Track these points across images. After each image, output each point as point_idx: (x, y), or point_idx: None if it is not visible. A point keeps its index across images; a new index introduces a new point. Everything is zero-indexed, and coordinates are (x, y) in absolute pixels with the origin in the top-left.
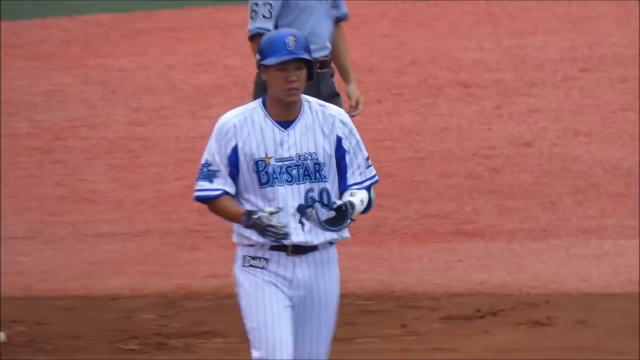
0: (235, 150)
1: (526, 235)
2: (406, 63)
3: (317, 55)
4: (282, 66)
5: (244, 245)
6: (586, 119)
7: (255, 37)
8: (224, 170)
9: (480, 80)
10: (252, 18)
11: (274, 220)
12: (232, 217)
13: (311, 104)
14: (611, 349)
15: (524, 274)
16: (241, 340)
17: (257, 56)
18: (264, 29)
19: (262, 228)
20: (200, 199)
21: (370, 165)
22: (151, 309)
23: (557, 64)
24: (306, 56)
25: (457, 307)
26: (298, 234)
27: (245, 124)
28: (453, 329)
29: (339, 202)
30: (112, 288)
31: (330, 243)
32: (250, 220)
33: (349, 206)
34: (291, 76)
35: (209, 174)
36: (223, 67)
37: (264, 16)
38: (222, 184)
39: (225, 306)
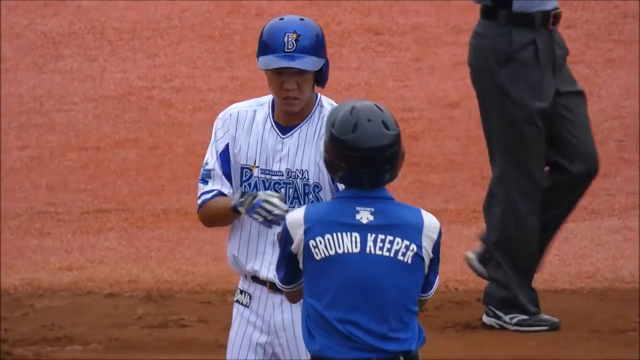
0: (227, 148)
1: (453, 218)
2: (303, 4)
3: (548, 7)
4: (278, 70)
5: (237, 273)
6: None
7: None
8: (218, 169)
9: (394, 25)
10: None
11: (276, 199)
12: (224, 212)
13: (323, 108)
14: (558, 358)
15: (451, 265)
16: (103, 347)
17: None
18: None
19: (254, 203)
20: (199, 206)
21: None
22: None
23: None
24: (305, 66)
25: None
26: (270, 269)
27: (243, 118)
28: None
29: None
30: None
31: None
32: (244, 196)
33: None
34: (288, 83)
35: (205, 175)
36: (76, 9)
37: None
38: (218, 184)
39: (83, 306)
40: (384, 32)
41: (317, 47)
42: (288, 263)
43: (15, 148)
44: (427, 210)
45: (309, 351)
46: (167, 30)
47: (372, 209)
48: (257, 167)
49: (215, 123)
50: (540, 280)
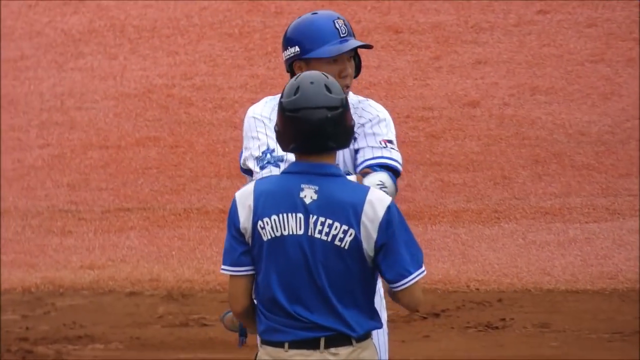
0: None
1: (474, 218)
2: (323, 2)
3: None
4: (336, 57)
5: None
6: (545, 72)
7: None
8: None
9: (415, 24)
10: None
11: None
12: None
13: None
14: (579, 359)
15: (472, 265)
16: (124, 346)
17: (291, 49)
18: None
19: (234, 323)
20: None
21: (387, 147)
22: (13, 307)
23: (509, 4)
24: (365, 43)
25: (391, 306)
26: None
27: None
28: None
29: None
30: None
31: None
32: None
33: None
34: (346, 69)
35: (277, 158)
36: (96, 7)
37: None
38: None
39: (105, 305)
40: (404, 30)
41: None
42: (236, 239)
43: (36, 146)
44: (449, 210)
45: (257, 331)
46: (187, 29)
47: (316, 187)
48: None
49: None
50: (561, 280)
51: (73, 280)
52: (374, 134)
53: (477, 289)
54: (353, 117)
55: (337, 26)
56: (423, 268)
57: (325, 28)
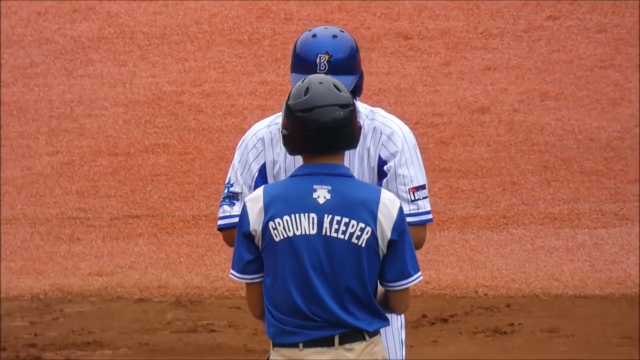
0: (262, 170)
1: (482, 223)
2: (332, 9)
3: None
4: None
5: None
6: (555, 78)
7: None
8: (246, 192)
9: (424, 30)
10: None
11: None
12: None
13: (360, 113)
14: None
15: (480, 271)
16: (133, 352)
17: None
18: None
19: None
20: (220, 229)
21: (416, 201)
22: (22, 314)
23: (519, 9)
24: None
25: None
26: None
27: (277, 137)
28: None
29: None
30: None
31: None
32: None
33: None
34: None
35: (230, 196)
36: (105, 14)
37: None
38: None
39: (113, 311)
40: (414, 36)
41: (349, 64)
42: (244, 246)
43: (45, 153)
44: (458, 216)
45: (267, 335)
46: (197, 35)
47: (329, 187)
48: None
49: (241, 146)
50: (570, 286)
51: (82, 287)
52: (403, 176)
53: (486, 295)
54: (371, 133)
55: (318, 62)
56: (420, 273)
57: (307, 59)
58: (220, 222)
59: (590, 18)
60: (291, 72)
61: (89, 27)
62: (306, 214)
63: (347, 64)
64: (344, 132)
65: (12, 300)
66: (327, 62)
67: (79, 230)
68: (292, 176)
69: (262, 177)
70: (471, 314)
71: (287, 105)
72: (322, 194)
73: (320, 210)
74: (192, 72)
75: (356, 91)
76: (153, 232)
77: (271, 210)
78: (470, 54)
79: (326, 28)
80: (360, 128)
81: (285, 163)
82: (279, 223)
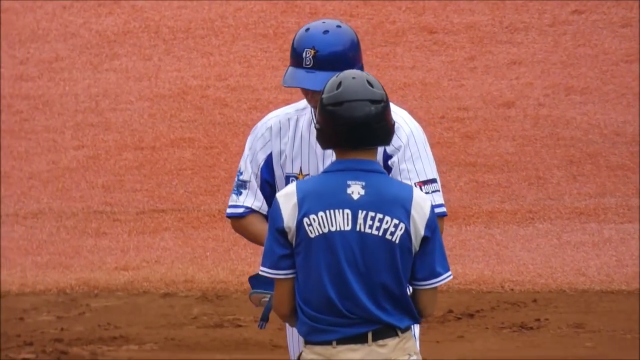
0: (269, 160)
1: (508, 218)
2: (357, 3)
3: None
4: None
5: None
6: (580, 73)
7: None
8: (254, 181)
9: (449, 24)
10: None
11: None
12: (256, 241)
13: None
14: (613, 359)
15: (506, 266)
16: (159, 347)
17: None
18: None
19: (261, 301)
20: (229, 216)
21: (428, 193)
22: (48, 308)
23: (544, 4)
24: (312, 86)
25: None
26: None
27: (286, 127)
28: (420, 334)
29: None
30: None
31: None
32: (259, 289)
33: None
34: (312, 97)
35: (239, 185)
36: (130, 8)
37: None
38: (250, 199)
39: (139, 306)
40: (439, 31)
41: (337, 60)
42: (278, 242)
43: (71, 147)
44: (484, 211)
45: (299, 333)
46: (222, 29)
47: (363, 183)
48: (306, 174)
49: (252, 133)
50: (596, 281)
51: (108, 281)
52: (407, 170)
53: (512, 290)
54: None
55: (304, 56)
56: (450, 272)
57: (297, 53)
58: (228, 210)
59: (616, 12)
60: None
61: (115, 22)
62: (341, 210)
63: (333, 60)
64: (375, 127)
65: (38, 295)
66: (313, 57)
67: (105, 225)
68: (325, 172)
69: (267, 167)
70: (497, 309)
71: (320, 100)
72: (356, 190)
73: (355, 206)
74: (217, 67)
75: None
76: (179, 226)
77: (305, 206)
78: (496, 48)
79: (324, 22)
80: (394, 124)
81: (292, 153)
82: (313, 219)
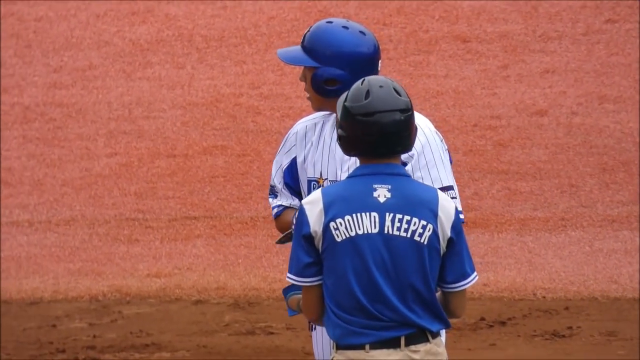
0: (293, 164)
1: (541, 226)
2: (391, 12)
3: None
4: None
5: None
6: (614, 81)
7: None
8: (278, 184)
9: (482, 33)
10: None
11: None
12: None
13: None
14: None
15: (539, 273)
16: (191, 354)
17: None
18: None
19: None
20: (276, 217)
21: (451, 199)
22: (80, 315)
23: (577, 12)
24: (284, 56)
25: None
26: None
27: (311, 132)
28: (452, 342)
29: None
30: (30, 290)
31: None
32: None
33: None
34: (301, 77)
35: (270, 189)
36: (164, 16)
37: None
38: (283, 198)
39: (171, 313)
40: (472, 39)
41: (317, 49)
42: (303, 249)
43: (104, 155)
44: (516, 218)
45: (331, 337)
46: (255, 38)
47: (389, 186)
48: (325, 179)
49: (283, 139)
50: (629, 289)
51: (140, 288)
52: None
53: (544, 297)
54: None
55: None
56: (476, 273)
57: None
58: (273, 211)
59: None
60: None
61: (148, 30)
62: (368, 213)
63: (316, 48)
64: (403, 136)
65: (70, 302)
66: (304, 35)
67: (137, 232)
68: (350, 177)
69: (289, 171)
70: (529, 317)
71: (345, 107)
72: (382, 193)
73: (382, 209)
74: (251, 75)
75: (314, 84)
76: (211, 233)
77: (332, 211)
78: (529, 57)
79: (347, 21)
80: (416, 130)
81: (314, 157)
82: (340, 223)
